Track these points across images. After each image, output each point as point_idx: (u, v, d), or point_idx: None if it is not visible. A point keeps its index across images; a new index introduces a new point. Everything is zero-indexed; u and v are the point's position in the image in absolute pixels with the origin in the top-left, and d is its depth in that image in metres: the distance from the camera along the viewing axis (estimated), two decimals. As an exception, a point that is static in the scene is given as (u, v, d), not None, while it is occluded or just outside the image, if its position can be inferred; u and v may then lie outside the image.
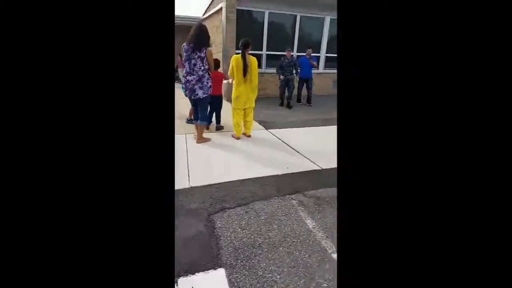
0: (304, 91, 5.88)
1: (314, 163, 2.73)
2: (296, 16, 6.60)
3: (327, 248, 1.53)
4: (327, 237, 1.63)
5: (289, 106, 5.49)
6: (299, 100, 6.05)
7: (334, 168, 2.63)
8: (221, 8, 5.95)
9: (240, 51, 3.23)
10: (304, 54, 5.79)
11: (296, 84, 5.82)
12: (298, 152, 3.04)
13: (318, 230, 1.69)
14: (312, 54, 5.75)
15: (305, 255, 1.47)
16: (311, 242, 1.57)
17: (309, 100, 5.89)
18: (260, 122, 4.34)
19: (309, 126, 4.22)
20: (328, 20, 6.90)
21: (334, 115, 4.93)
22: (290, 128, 4.07)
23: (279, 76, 5.54)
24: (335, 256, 1.47)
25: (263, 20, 6.37)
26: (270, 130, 3.93)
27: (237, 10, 5.85)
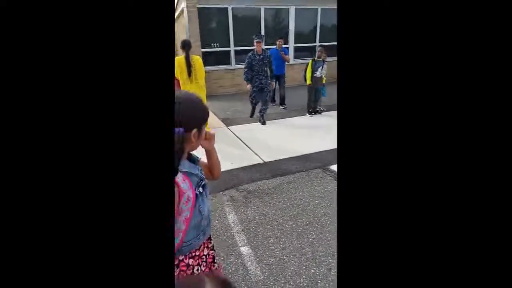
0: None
1: (259, 156, 2.79)
2: (260, 8, 6.56)
3: (238, 242, 1.60)
4: (242, 230, 1.69)
5: (263, 123, 4.07)
6: (273, 100, 5.26)
7: (277, 160, 2.69)
8: (183, 8, 5.91)
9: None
10: (274, 46, 5.24)
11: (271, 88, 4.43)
12: (248, 147, 3.09)
13: (236, 224, 1.76)
14: (283, 46, 5.31)
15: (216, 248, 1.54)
16: (224, 237, 1.64)
17: (283, 101, 5.09)
18: (223, 120, 4.38)
19: (271, 119, 4.26)
20: (293, 10, 6.86)
21: (299, 106, 4.98)
22: (251, 124, 4.11)
23: (248, 81, 4.06)
24: (243, 249, 1.53)
25: (227, 16, 6.34)
26: (230, 127, 3.97)
27: (199, 8, 5.81)
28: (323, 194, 2.04)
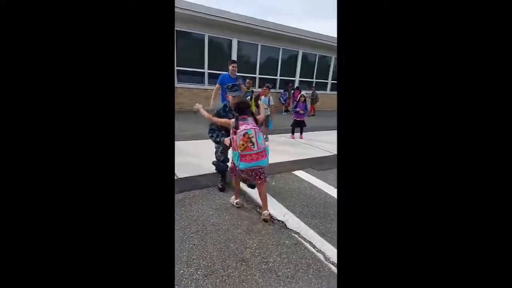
0: None
1: (175, 173, 2.94)
2: (204, 35, 7.03)
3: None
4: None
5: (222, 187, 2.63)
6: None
7: (191, 176, 2.88)
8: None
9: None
10: (225, 73, 4.14)
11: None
12: (167, 163, 3.22)
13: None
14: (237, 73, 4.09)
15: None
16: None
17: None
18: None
19: (204, 139, 4.47)
20: (236, 42, 7.53)
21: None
22: (182, 141, 4.25)
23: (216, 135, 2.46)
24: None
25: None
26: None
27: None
28: (219, 206, 2.29)
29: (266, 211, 2.10)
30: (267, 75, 8.58)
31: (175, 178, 2.82)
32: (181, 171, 2.98)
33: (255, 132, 1.95)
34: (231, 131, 2.06)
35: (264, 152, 2.02)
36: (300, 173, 3.25)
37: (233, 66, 3.97)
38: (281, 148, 4.37)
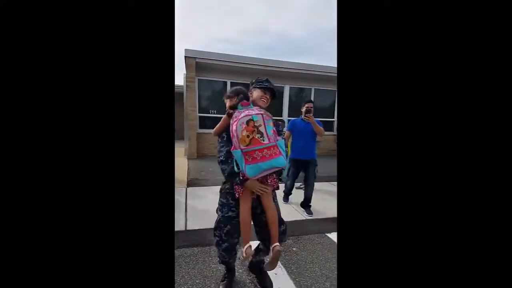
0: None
1: (186, 222, 2.71)
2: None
3: None
4: None
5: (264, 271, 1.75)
6: (286, 197, 3.32)
7: (201, 229, 2.58)
8: (187, 78, 6.86)
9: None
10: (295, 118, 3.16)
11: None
12: (186, 211, 3.04)
13: None
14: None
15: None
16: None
17: (307, 203, 3.06)
18: (191, 180, 4.45)
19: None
20: (288, 88, 7.59)
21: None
22: (213, 186, 4.12)
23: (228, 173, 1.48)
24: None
25: (226, 88, 7.14)
26: (189, 188, 4.01)
27: (199, 79, 6.69)
28: (211, 273, 1.86)
29: (277, 244, 1.44)
30: (325, 117, 8.13)
31: (183, 229, 2.57)
32: (193, 222, 2.73)
33: (263, 119, 1.27)
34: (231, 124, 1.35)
35: (277, 148, 1.31)
36: (336, 236, 2.52)
37: (307, 107, 2.90)
38: (320, 199, 3.68)
